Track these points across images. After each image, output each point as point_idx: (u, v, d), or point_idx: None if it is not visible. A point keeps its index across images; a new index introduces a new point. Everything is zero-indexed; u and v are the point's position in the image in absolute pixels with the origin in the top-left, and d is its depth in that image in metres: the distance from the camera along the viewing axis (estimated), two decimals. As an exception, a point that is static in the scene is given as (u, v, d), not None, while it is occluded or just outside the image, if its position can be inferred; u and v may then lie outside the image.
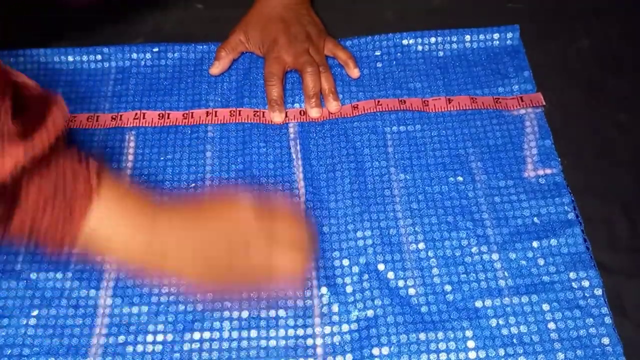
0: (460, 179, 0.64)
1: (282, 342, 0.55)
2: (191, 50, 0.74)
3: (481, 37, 0.74)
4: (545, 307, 0.56)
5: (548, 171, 0.64)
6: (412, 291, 0.58)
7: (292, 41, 0.71)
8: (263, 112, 0.69)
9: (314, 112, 0.69)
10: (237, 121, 0.69)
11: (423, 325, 0.56)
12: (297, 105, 0.70)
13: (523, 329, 0.55)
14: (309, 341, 0.55)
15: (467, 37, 0.74)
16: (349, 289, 0.58)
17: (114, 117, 0.69)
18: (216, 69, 0.73)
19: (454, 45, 0.74)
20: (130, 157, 0.67)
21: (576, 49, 0.74)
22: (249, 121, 0.69)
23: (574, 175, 0.64)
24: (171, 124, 0.69)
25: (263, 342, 0.55)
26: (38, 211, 0.44)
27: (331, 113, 0.69)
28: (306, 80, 0.70)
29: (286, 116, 0.69)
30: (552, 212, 0.61)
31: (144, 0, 0.80)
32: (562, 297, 0.57)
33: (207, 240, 0.50)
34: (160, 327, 0.56)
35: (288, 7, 0.74)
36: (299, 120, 0.69)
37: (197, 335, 0.56)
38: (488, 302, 0.57)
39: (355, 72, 0.72)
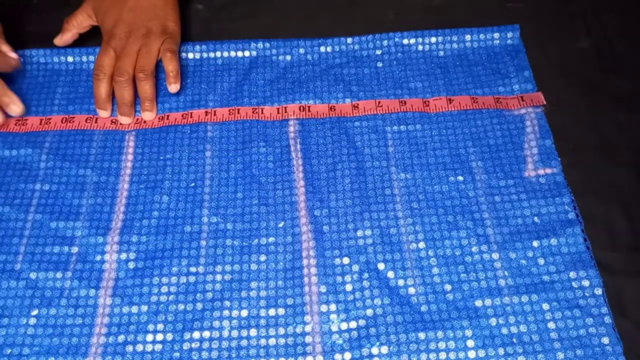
0: (460, 178, 0.64)
1: (282, 341, 0.55)
2: (190, 50, 0.74)
3: (481, 36, 0.74)
4: (545, 306, 0.56)
5: (548, 171, 0.64)
6: (411, 290, 0.58)
7: (127, 36, 0.68)
8: (262, 109, 0.69)
9: (123, 120, 0.68)
10: (236, 119, 0.69)
11: (423, 324, 0.56)
12: (297, 101, 0.70)
13: (523, 328, 0.55)
14: (308, 339, 0.55)
15: (468, 37, 0.74)
16: (348, 288, 0.58)
17: (113, 120, 0.69)
18: (59, 40, 0.72)
19: (455, 45, 0.74)
20: (130, 157, 0.67)
21: (576, 49, 0.74)
22: (248, 118, 0.69)
23: (574, 175, 0.64)
24: (170, 124, 0.69)
25: (262, 341, 0.55)
26: None
27: (145, 121, 0.69)
28: (115, 90, 0.68)
29: (285, 112, 0.69)
30: (552, 212, 0.61)
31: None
32: (562, 297, 0.57)
33: None
34: (160, 326, 0.56)
35: None
36: (298, 117, 0.69)
37: (196, 335, 0.56)
38: (488, 302, 0.57)
39: (172, 88, 0.69)
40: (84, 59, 0.73)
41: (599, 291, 0.57)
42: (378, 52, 0.74)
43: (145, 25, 0.69)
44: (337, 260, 0.59)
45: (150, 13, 0.70)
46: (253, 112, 0.69)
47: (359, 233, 0.61)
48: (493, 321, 0.55)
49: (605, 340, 0.54)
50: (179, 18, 0.72)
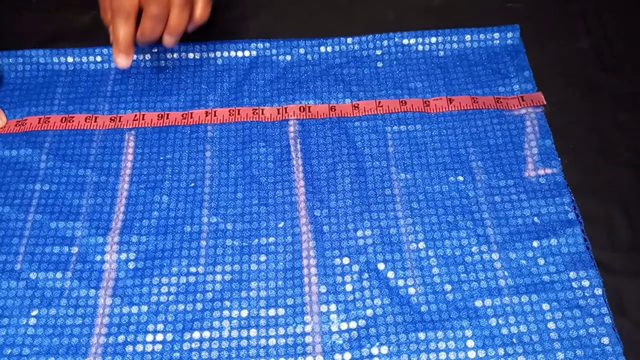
0: (460, 178, 0.64)
1: (282, 341, 0.55)
2: (190, 50, 0.74)
3: (481, 36, 0.74)
4: (545, 306, 0.56)
5: (548, 171, 0.64)
6: (411, 290, 0.58)
7: None
8: (262, 110, 0.70)
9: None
10: (236, 120, 0.69)
11: (423, 324, 0.56)
12: (297, 101, 0.70)
13: (523, 328, 0.55)
14: (308, 339, 0.55)
15: (468, 37, 0.74)
16: (348, 288, 0.58)
17: (112, 118, 0.69)
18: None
19: (455, 45, 0.74)
20: (130, 157, 0.67)
21: (576, 49, 0.74)
22: (248, 119, 0.69)
23: (574, 175, 0.64)
24: (170, 124, 0.69)
25: (262, 341, 0.55)
26: None
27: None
28: (144, 24, 0.61)
29: (285, 112, 0.69)
30: (552, 212, 0.61)
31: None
32: (562, 297, 0.57)
33: None
34: (160, 326, 0.56)
35: None
36: (298, 117, 0.69)
37: (196, 335, 0.56)
38: (488, 302, 0.57)
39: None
40: (84, 59, 0.73)
41: (599, 291, 0.57)
42: (378, 52, 0.74)
43: None
44: (337, 261, 0.59)
45: None
46: (253, 113, 0.69)
47: (359, 233, 0.61)
48: (493, 321, 0.55)
49: (605, 340, 0.54)
50: None
